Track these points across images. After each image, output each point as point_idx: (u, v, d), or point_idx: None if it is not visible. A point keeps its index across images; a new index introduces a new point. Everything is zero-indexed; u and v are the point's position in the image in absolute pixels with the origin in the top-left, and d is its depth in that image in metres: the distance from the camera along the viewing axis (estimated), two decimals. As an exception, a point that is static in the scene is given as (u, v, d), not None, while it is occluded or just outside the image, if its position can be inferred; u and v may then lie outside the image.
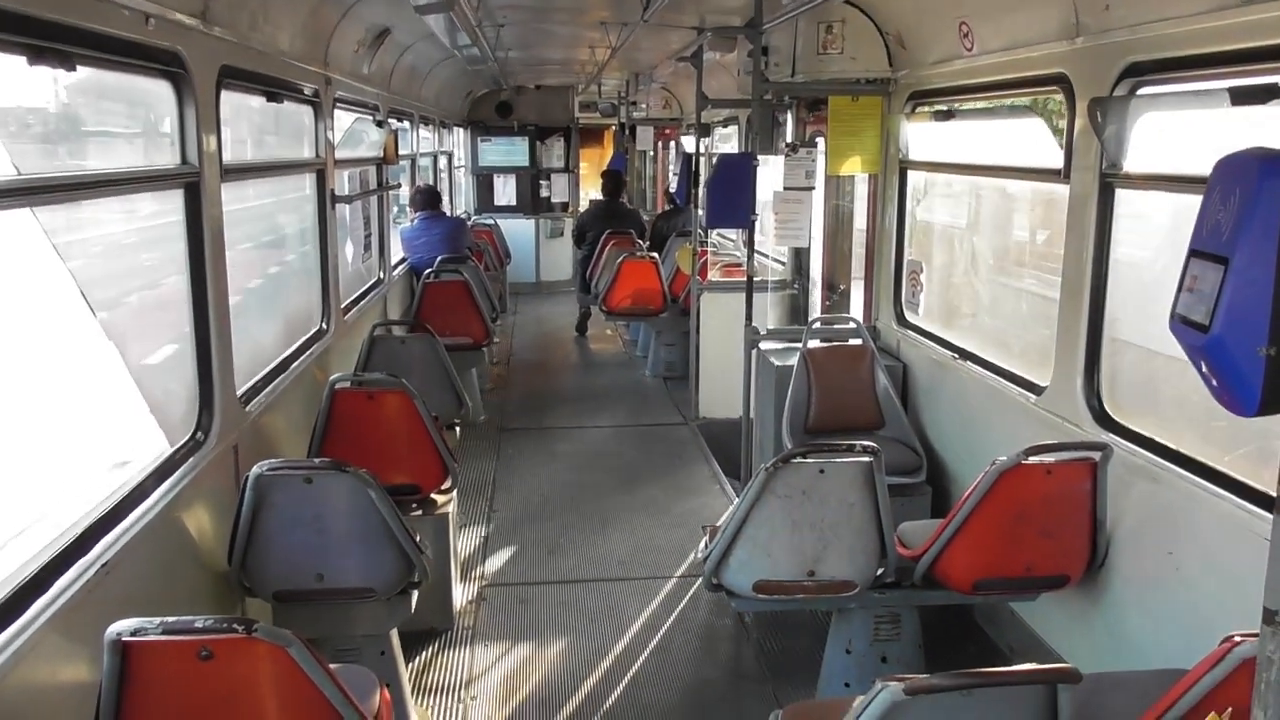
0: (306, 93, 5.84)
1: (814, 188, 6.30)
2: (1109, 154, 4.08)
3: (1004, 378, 5.08)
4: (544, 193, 16.60)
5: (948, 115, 5.64)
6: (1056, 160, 4.52)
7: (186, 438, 4.01)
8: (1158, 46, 3.78)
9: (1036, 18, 4.49)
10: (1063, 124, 4.48)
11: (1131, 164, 4.06)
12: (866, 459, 3.76)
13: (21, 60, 2.74)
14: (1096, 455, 3.86)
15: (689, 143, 14.53)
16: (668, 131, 16.44)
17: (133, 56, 3.45)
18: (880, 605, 4.21)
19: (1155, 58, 3.83)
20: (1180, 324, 1.88)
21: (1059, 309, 4.46)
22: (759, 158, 6.51)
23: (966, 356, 5.55)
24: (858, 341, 6.15)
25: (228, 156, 4.27)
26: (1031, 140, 5.09)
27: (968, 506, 3.82)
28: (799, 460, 3.76)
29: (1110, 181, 4.12)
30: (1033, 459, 3.77)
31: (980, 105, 5.56)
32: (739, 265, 10.12)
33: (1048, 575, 4.01)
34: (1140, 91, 3.98)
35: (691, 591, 5.64)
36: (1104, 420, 4.21)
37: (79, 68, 2.95)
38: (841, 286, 7.80)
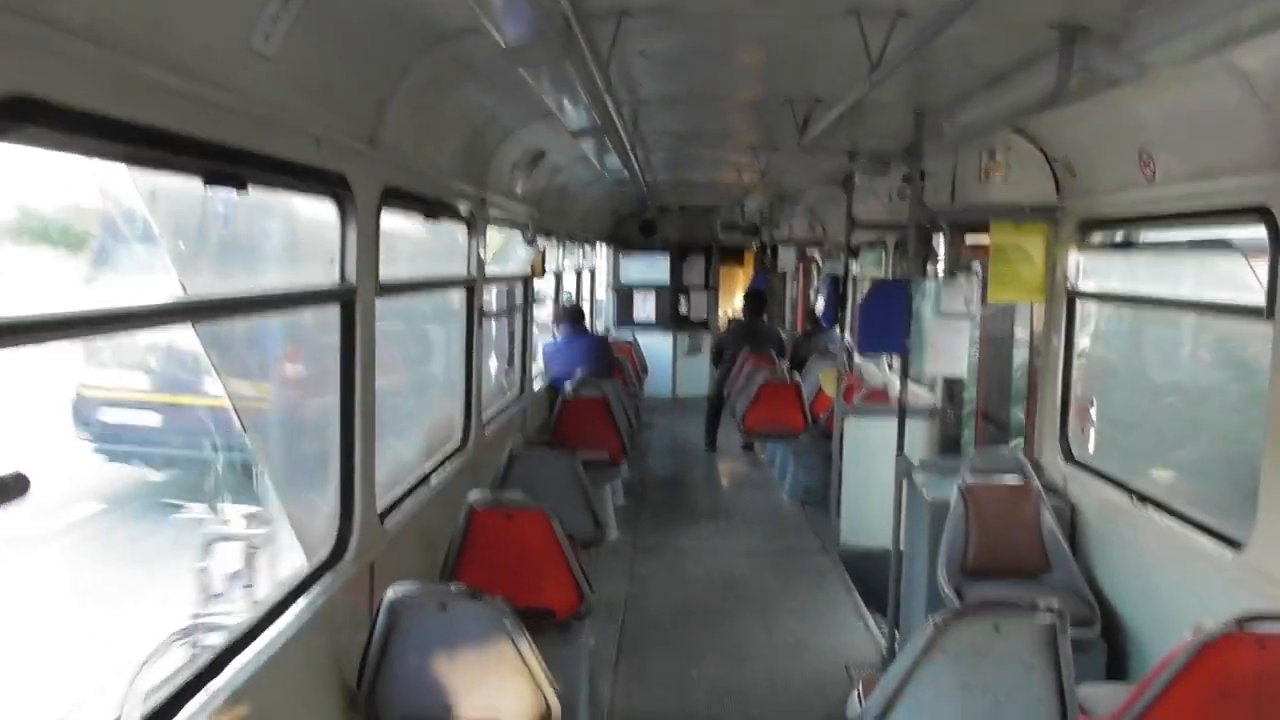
0: (462, 212, 5.95)
1: (973, 315, 6.01)
2: (1321, 289, 3.70)
3: (1194, 527, 4.60)
4: (683, 309, 16.68)
5: (1124, 245, 5.30)
6: (1256, 296, 4.14)
7: (325, 555, 3.96)
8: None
9: (1231, 145, 4.17)
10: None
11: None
12: (1049, 619, 3.38)
13: (198, 181, 2.81)
14: (1319, 628, 3.38)
15: (829, 265, 14.41)
16: (808, 253, 16.36)
17: (301, 178, 3.52)
18: (1058, 783, 3.75)
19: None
20: None
21: (1265, 454, 4.01)
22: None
23: (1147, 501, 5.07)
24: (1019, 478, 5.73)
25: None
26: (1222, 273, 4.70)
27: (1164, 678, 3.38)
28: (972, 616, 3.41)
29: (1322, 319, 3.73)
30: (1243, 629, 3.32)
31: (1162, 238, 5.19)
32: (881, 390, 9.81)
33: (1259, 764, 3.50)
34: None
35: (835, 742, 5.23)
36: (1322, 584, 3.71)
37: (250, 188, 3.00)
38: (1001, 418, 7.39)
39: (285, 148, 3.27)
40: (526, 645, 3.73)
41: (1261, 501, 4.01)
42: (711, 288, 16.79)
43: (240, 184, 2.91)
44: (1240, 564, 4.15)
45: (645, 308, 16.76)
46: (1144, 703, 3.47)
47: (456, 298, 6.40)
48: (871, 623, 7.00)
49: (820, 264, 15.77)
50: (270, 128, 3.16)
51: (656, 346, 16.15)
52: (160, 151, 2.54)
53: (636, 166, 7.98)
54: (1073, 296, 5.91)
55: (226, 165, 2.85)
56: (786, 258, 15.14)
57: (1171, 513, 4.81)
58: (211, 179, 2.79)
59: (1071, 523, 5.75)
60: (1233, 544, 4.25)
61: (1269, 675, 3.40)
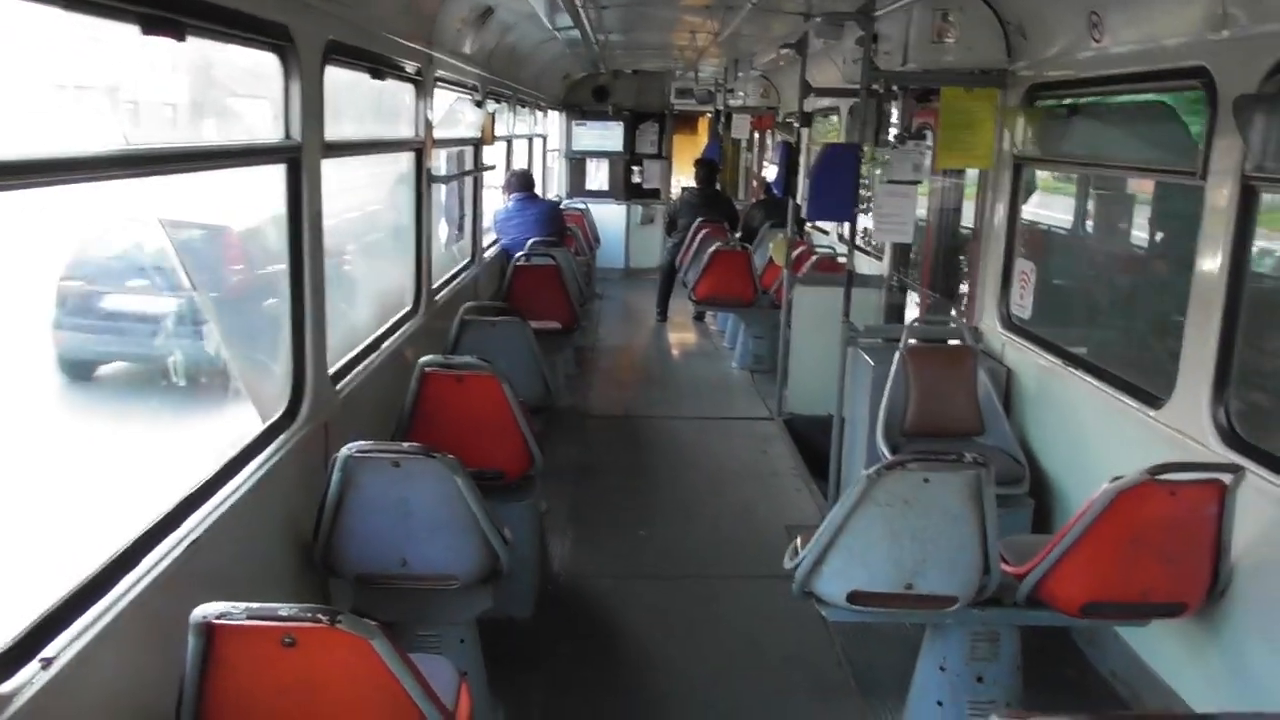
0: (409, 71, 5.81)
1: (921, 181, 6.05)
2: (1254, 155, 3.79)
3: (1119, 388, 4.80)
4: (636, 178, 16.53)
5: (1072, 109, 5.34)
6: (1190, 158, 4.23)
7: (278, 415, 4.00)
8: (1315, 40, 3.49)
9: (1177, 6, 4.20)
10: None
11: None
12: (975, 470, 3.56)
13: (135, 30, 2.72)
14: (1226, 478, 3.59)
15: (786, 133, 14.29)
16: (763, 120, 16.18)
17: (241, 28, 3.42)
18: (979, 623, 4.00)
19: (1312, 52, 3.54)
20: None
21: (1187, 317, 4.18)
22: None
23: (1078, 364, 5.26)
24: (958, 343, 5.90)
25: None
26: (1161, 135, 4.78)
27: (1082, 525, 3.60)
28: (903, 468, 3.58)
29: (1254, 184, 3.83)
30: (1157, 478, 3.52)
31: (1107, 100, 5.25)
32: (832, 260, 9.91)
33: (1164, 602, 3.76)
34: (1293, 88, 3.68)
35: (774, 594, 5.47)
36: (1233, 440, 3.92)
37: (189, 38, 2.92)
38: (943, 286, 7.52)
39: (224, -5, 3.17)
40: (478, 503, 3.83)
41: (1183, 361, 4.20)
42: (665, 156, 16.61)
43: (179, 32, 2.83)
44: (1158, 421, 4.36)
45: (598, 177, 16.58)
46: (1062, 548, 3.70)
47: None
48: (814, 486, 7.24)
49: (775, 132, 15.64)
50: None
51: (609, 217, 16.03)
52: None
53: (587, 25, 7.79)
54: (1019, 162, 5.97)
55: (164, 11, 2.76)
56: (741, 125, 14.98)
57: (1099, 374, 5.01)
58: (149, 26, 2.71)
59: (1007, 386, 5.96)
60: (1154, 402, 4.45)
61: (1178, 521, 3.63)
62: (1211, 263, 4.01)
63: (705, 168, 13.06)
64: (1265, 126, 3.70)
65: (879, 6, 5.81)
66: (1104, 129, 5.56)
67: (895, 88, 7.04)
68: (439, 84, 6.50)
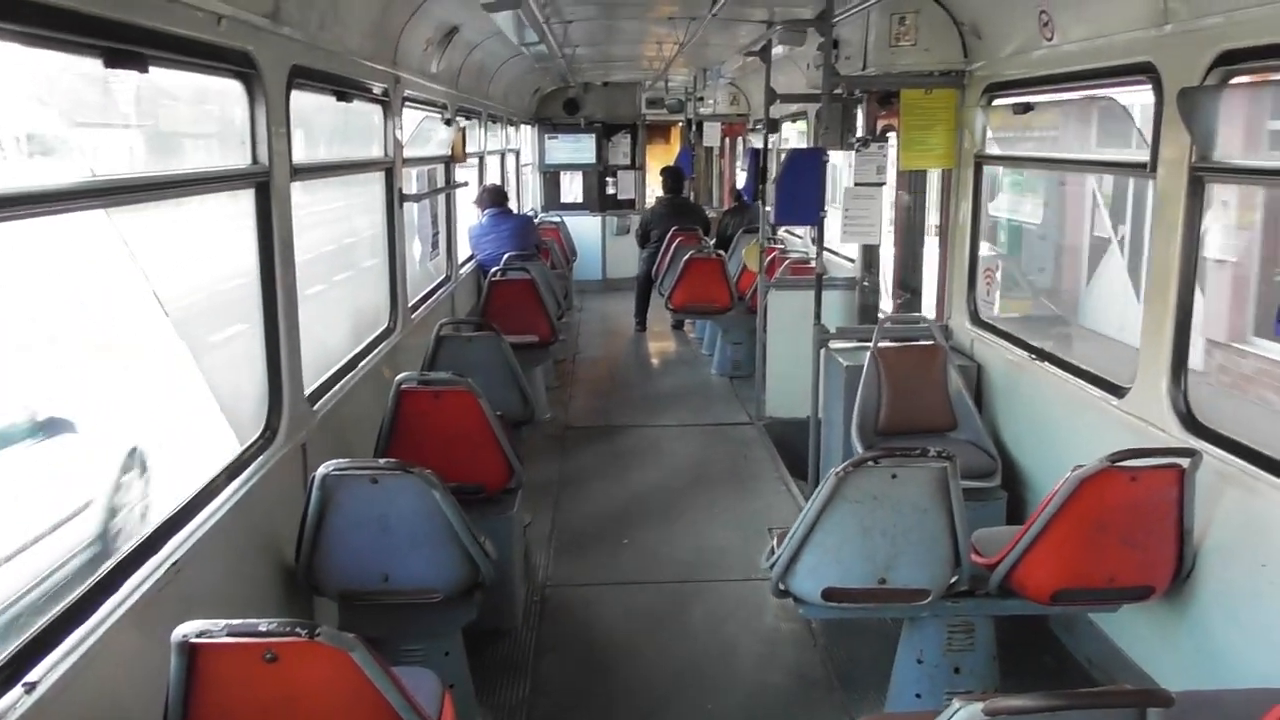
0: (375, 92, 5.87)
1: (885, 183, 6.15)
2: (1200, 147, 3.89)
3: (1084, 379, 4.90)
4: (610, 190, 16.60)
5: (1026, 108, 5.46)
6: (1141, 153, 4.34)
7: (256, 436, 4.05)
8: (1254, 32, 3.58)
9: (1122, 3, 4.31)
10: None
11: (1224, 156, 3.87)
12: (941, 464, 3.64)
13: (98, 63, 2.77)
14: (1185, 462, 3.68)
15: (756, 139, 14.41)
16: (734, 127, 16.30)
17: (204, 57, 3.48)
18: (953, 614, 4.08)
19: (1251, 45, 3.63)
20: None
21: (1144, 308, 4.28)
22: (829, 153, 6.39)
23: (1044, 357, 5.36)
24: (929, 341, 5.99)
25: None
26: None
27: (1047, 514, 3.68)
28: (870, 465, 3.65)
29: (1201, 175, 3.93)
30: (1117, 465, 3.61)
31: (1061, 98, 5.36)
32: (806, 263, 10.00)
33: (1131, 586, 3.85)
34: (1234, 81, 3.79)
35: (757, 595, 5.55)
36: (1192, 425, 4.02)
37: (151, 69, 2.97)
38: (913, 285, 7.62)
39: (187, 25, 3.22)
40: (457, 516, 3.88)
41: (1141, 351, 4.30)
42: (638, 167, 16.70)
43: (142, 65, 2.88)
44: (1122, 409, 4.45)
45: (572, 189, 16.64)
46: (1029, 537, 3.78)
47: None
48: (794, 487, 7.32)
49: (746, 139, 15.76)
50: (170, 4, 3.11)
51: (585, 229, 16.08)
52: (58, 31, 2.51)
53: (553, 40, 7.87)
54: (980, 161, 6.08)
55: (127, 45, 2.81)
56: (712, 133, 15.09)
57: (1063, 366, 5.12)
58: (112, 60, 2.76)
59: (977, 381, 6.05)
60: (1117, 392, 4.55)
61: (1140, 506, 3.72)
62: (1164, 254, 4.11)
63: (672, 175, 13.14)
64: (1209, 118, 3.81)
65: (837, 12, 5.91)
66: (1059, 126, 5.68)
67: (858, 91, 7.14)
68: (407, 104, 6.56)
